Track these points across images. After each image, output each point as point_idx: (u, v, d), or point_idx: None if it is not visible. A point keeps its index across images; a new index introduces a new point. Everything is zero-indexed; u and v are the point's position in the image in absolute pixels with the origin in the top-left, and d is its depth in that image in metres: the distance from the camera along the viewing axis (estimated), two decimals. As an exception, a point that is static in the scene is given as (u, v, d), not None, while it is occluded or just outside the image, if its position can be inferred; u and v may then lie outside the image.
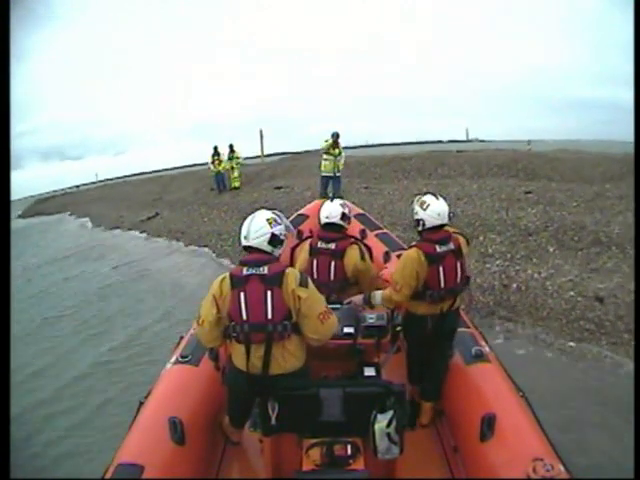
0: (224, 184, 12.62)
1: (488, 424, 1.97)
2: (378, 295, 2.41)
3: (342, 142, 8.61)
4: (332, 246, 2.74)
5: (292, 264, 3.05)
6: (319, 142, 8.61)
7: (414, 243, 2.39)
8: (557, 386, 3.33)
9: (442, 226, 2.34)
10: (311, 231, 3.69)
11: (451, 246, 2.31)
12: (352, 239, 2.90)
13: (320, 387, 1.84)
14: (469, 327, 2.77)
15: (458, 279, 2.33)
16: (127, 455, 1.85)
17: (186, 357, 2.49)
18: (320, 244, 2.78)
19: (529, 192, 7.88)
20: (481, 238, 6.29)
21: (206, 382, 2.40)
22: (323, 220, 2.87)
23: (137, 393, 2.37)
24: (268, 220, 1.97)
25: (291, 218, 4.48)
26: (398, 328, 2.53)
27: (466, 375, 2.37)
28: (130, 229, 11.36)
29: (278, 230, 1.97)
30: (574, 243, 5.73)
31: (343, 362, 2.40)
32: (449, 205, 2.40)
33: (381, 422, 1.75)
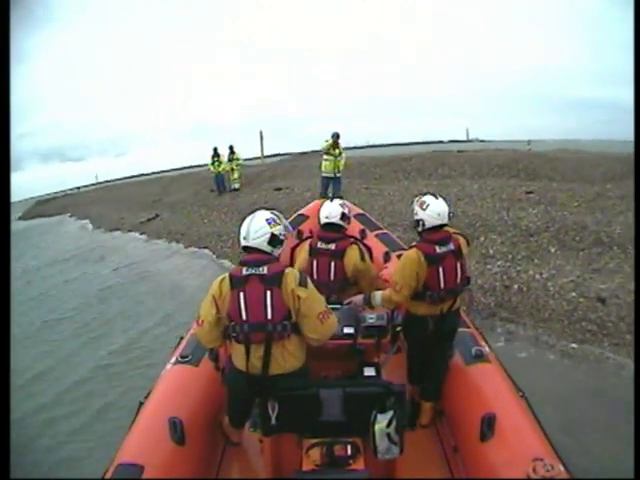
0: (224, 185, 12.62)
1: (488, 424, 1.97)
2: (378, 295, 2.41)
3: (342, 142, 8.60)
4: (332, 246, 2.74)
5: (292, 264, 3.06)
6: (319, 142, 8.61)
7: (414, 244, 2.39)
8: (559, 388, 3.31)
9: (442, 226, 2.33)
10: (311, 231, 3.70)
11: (451, 247, 2.30)
12: (352, 239, 2.90)
13: (320, 387, 1.83)
14: (469, 327, 2.77)
15: (458, 280, 2.33)
16: (127, 455, 1.86)
17: (186, 357, 2.49)
18: (320, 244, 2.78)
19: (530, 192, 7.87)
20: (482, 239, 6.27)
21: (206, 382, 2.41)
22: (323, 220, 2.88)
23: (137, 397, 2.36)
24: (267, 220, 1.98)
25: (291, 218, 4.48)
26: (398, 328, 2.53)
27: (466, 375, 2.37)
28: (130, 231, 11.36)
29: (278, 230, 1.98)
30: (575, 243, 5.71)
31: (343, 362, 2.40)
32: (449, 205, 2.40)
33: (381, 422, 1.75)
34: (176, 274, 7.30)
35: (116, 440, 2.01)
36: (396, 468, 1.94)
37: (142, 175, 30.09)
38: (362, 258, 2.75)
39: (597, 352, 3.79)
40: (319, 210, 2.96)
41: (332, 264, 2.72)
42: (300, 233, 4.05)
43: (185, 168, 26.99)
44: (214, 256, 7.96)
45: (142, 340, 4.89)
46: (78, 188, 31.00)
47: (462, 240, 2.41)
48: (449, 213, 2.36)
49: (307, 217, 4.43)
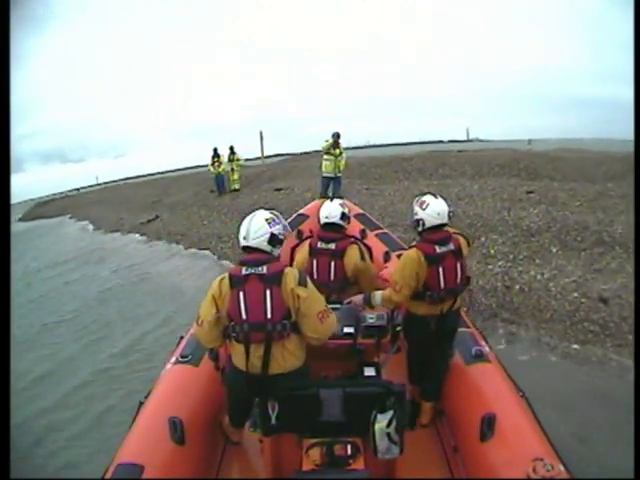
0: (224, 186, 12.60)
1: (488, 424, 1.97)
2: (378, 295, 2.40)
3: (342, 142, 8.57)
4: (332, 246, 2.74)
5: (292, 264, 3.04)
6: (319, 142, 8.58)
7: (414, 243, 2.39)
8: (562, 390, 3.29)
9: (442, 226, 2.33)
10: (311, 231, 3.69)
11: (451, 246, 2.30)
12: (352, 239, 2.90)
13: (320, 387, 1.83)
14: (469, 327, 2.77)
15: (458, 280, 2.33)
16: (127, 455, 1.86)
17: (186, 357, 2.49)
18: (320, 244, 2.78)
19: (531, 192, 7.84)
20: (483, 239, 6.25)
21: (206, 382, 2.41)
22: (323, 220, 2.88)
23: (138, 400, 2.35)
24: (267, 220, 1.98)
25: (291, 218, 4.49)
26: (398, 328, 2.52)
27: (466, 375, 2.37)
28: (130, 232, 11.34)
29: (277, 230, 1.98)
30: (577, 243, 5.69)
31: (343, 362, 2.40)
32: (449, 205, 2.39)
33: (381, 422, 1.75)
34: (176, 276, 7.27)
35: (117, 444, 2.00)
36: (396, 468, 1.94)
37: (142, 176, 30.09)
38: (362, 257, 2.75)
39: (599, 353, 3.77)
40: (319, 210, 2.97)
41: (332, 264, 2.72)
42: (300, 233, 4.06)
43: (185, 169, 27.01)
44: (215, 257, 7.94)
45: (142, 343, 4.86)
46: (78, 189, 31.07)
47: (462, 240, 2.40)
48: (449, 212, 2.36)
49: (307, 217, 4.43)
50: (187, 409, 2.17)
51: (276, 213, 2.07)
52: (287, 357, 1.89)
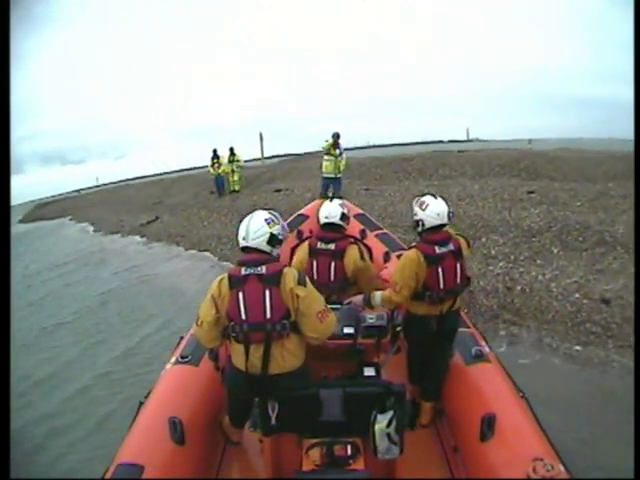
0: (224, 187, 12.58)
1: (488, 424, 1.98)
2: (378, 296, 2.41)
3: (342, 143, 8.55)
4: (332, 246, 2.74)
5: (291, 264, 3.02)
6: (319, 143, 8.56)
7: (414, 244, 2.40)
8: (564, 392, 3.28)
9: (442, 226, 2.34)
10: (311, 231, 3.71)
11: (451, 247, 2.31)
12: (351, 239, 2.90)
13: (320, 387, 1.84)
14: (469, 327, 2.77)
15: (458, 280, 2.34)
16: (127, 455, 1.86)
17: (186, 357, 2.50)
18: (319, 245, 2.78)
19: (532, 192, 7.82)
20: (484, 239, 6.24)
21: (206, 382, 2.41)
22: (322, 220, 2.88)
23: (138, 400, 2.34)
24: (266, 220, 1.99)
25: (291, 218, 4.51)
26: (398, 328, 2.53)
27: (466, 375, 2.37)
28: (130, 233, 11.34)
29: (276, 230, 1.99)
30: (578, 243, 5.67)
31: (343, 362, 2.41)
32: (449, 205, 2.40)
33: (381, 422, 1.75)
34: (176, 277, 7.25)
35: (117, 445, 1.99)
36: (396, 468, 1.94)
37: (142, 177, 30.10)
38: (362, 257, 2.75)
39: (602, 354, 3.75)
40: (318, 210, 2.97)
41: (332, 264, 2.72)
42: (300, 233, 4.08)
43: (185, 170, 26.99)
44: (215, 258, 7.94)
45: (143, 346, 4.83)
46: (78, 191, 31.10)
47: (462, 241, 2.41)
48: (449, 213, 2.36)
49: (307, 217, 4.44)
50: (187, 409, 2.17)
51: (275, 213, 2.08)
52: (287, 357, 1.89)
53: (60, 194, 31.96)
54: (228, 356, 2.01)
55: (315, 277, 2.70)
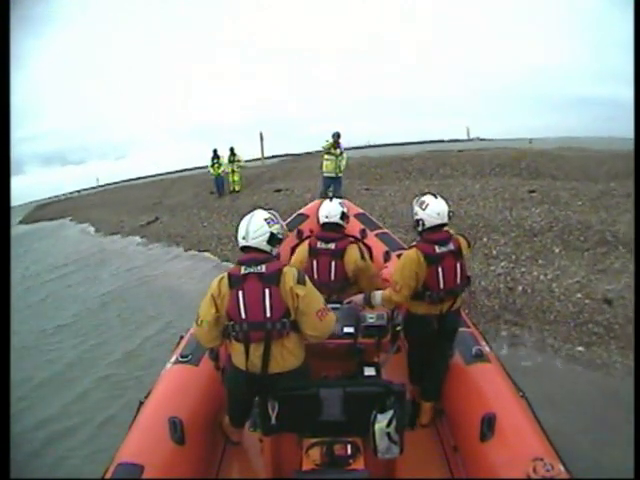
0: (224, 187, 12.57)
1: (488, 424, 1.97)
2: (378, 295, 2.41)
3: (343, 142, 8.56)
4: (332, 246, 2.74)
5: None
6: (319, 143, 8.58)
7: (414, 244, 2.40)
8: (567, 394, 3.25)
9: (442, 226, 2.35)
10: (311, 231, 3.71)
11: (451, 247, 2.31)
12: (351, 238, 2.90)
13: (320, 387, 1.84)
14: (469, 327, 2.77)
15: (458, 280, 2.34)
16: (127, 455, 1.86)
17: (186, 357, 2.50)
18: (320, 244, 2.78)
19: (533, 191, 7.80)
20: (485, 239, 6.21)
21: (206, 382, 2.41)
22: (322, 220, 2.88)
23: (138, 400, 2.33)
24: (266, 220, 2.00)
25: (291, 218, 4.51)
26: (398, 328, 2.52)
27: (466, 375, 2.37)
28: (130, 234, 11.31)
29: (276, 229, 2.00)
30: (580, 243, 5.64)
31: (343, 362, 2.40)
32: (450, 205, 2.40)
33: (381, 422, 1.75)
34: (176, 279, 7.23)
35: (117, 447, 1.98)
36: (396, 468, 1.94)
37: (142, 178, 30.08)
38: (362, 257, 2.76)
39: (604, 355, 3.72)
40: (318, 209, 2.97)
41: (332, 264, 2.72)
42: (300, 233, 4.08)
43: (185, 170, 26.95)
44: (215, 259, 7.92)
45: (144, 348, 4.79)
46: (79, 191, 31.10)
47: (462, 241, 2.41)
48: (449, 212, 2.37)
49: (307, 217, 4.44)
50: (187, 409, 2.17)
51: (274, 213, 2.08)
52: (286, 356, 1.89)
53: (60, 195, 31.98)
54: (228, 355, 2.01)
55: (315, 277, 2.71)
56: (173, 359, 2.54)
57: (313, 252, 2.78)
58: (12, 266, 3.25)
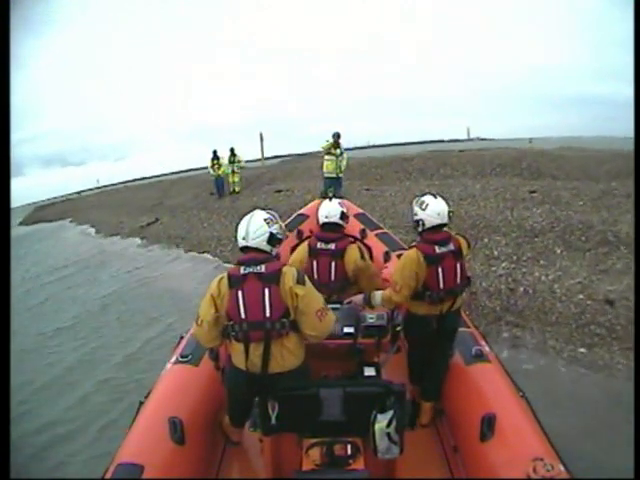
0: (224, 188, 12.56)
1: (488, 424, 1.97)
2: (378, 295, 2.41)
3: (343, 143, 8.57)
4: (332, 246, 2.74)
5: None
6: (319, 143, 8.58)
7: (414, 244, 2.40)
8: (569, 396, 3.23)
9: (442, 226, 2.35)
10: (311, 231, 3.70)
11: (451, 247, 2.31)
12: (351, 238, 2.90)
13: (320, 387, 1.84)
14: (469, 327, 2.77)
15: (458, 280, 2.34)
16: (127, 455, 1.86)
17: (186, 357, 2.50)
18: (319, 245, 2.77)
19: (534, 191, 7.78)
20: (486, 240, 6.19)
21: (206, 382, 2.41)
22: (322, 220, 2.87)
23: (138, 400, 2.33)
24: (266, 220, 2.00)
25: (291, 218, 4.52)
26: (398, 328, 2.52)
27: (466, 375, 2.37)
28: (130, 235, 11.32)
29: (275, 229, 2.00)
30: (581, 243, 5.62)
31: (343, 362, 2.41)
32: (450, 205, 2.40)
33: (381, 422, 1.75)
34: (176, 280, 7.21)
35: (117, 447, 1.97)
36: (396, 468, 1.94)
37: (142, 179, 30.13)
38: (362, 257, 2.75)
39: (607, 357, 3.69)
40: (318, 209, 2.96)
41: (332, 264, 2.72)
42: (300, 233, 4.08)
43: (185, 171, 26.99)
44: (215, 260, 7.91)
45: (144, 351, 4.76)
46: (79, 193, 31.17)
47: (462, 241, 2.41)
48: (449, 212, 2.37)
49: (307, 217, 4.43)
50: (187, 409, 2.17)
51: (273, 213, 2.09)
52: (286, 356, 1.89)
53: (60, 196, 32.00)
54: (228, 355, 2.01)
55: (315, 277, 2.70)
56: (173, 359, 2.54)
57: (313, 252, 2.78)
58: (12, 267, 3.22)
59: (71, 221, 17.07)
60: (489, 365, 2.38)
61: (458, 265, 2.33)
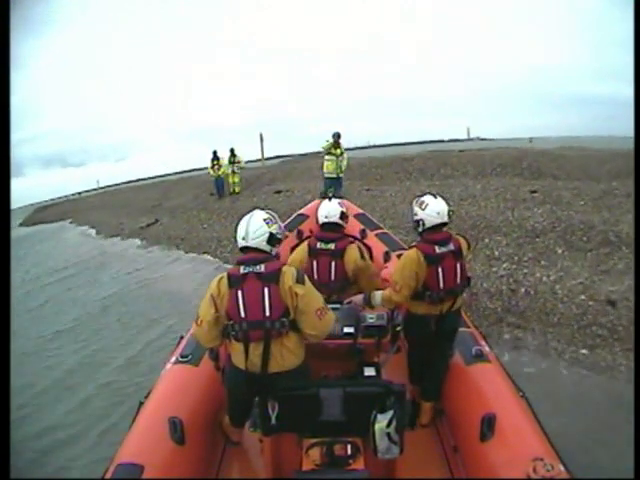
0: (224, 189, 12.56)
1: (488, 424, 1.97)
2: (378, 295, 2.41)
3: (343, 143, 8.57)
4: (331, 246, 2.74)
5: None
6: (319, 143, 8.59)
7: (414, 244, 2.40)
8: (570, 397, 3.22)
9: (442, 225, 2.35)
10: (311, 231, 3.72)
11: (451, 247, 2.31)
12: (350, 238, 2.91)
13: (320, 387, 1.84)
14: (469, 327, 2.77)
15: (458, 280, 2.34)
16: (127, 455, 1.86)
17: (186, 357, 2.50)
18: (319, 245, 2.77)
19: (534, 191, 7.77)
20: (487, 240, 6.18)
21: (206, 382, 2.42)
22: (322, 220, 2.87)
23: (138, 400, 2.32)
24: (265, 220, 2.00)
25: (291, 218, 4.52)
26: (398, 328, 2.52)
27: (466, 375, 2.37)
28: (130, 236, 11.31)
29: (275, 229, 2.01)
30: (583, 244, 5.60)
31: (343, 362, 2.41)
32: (451, 205, 2.41)
33: (381, 422, 1.75)
34: (176, 282, 7.19)
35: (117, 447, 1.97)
36: (396, 468, 1.94)
37: (142, 179, 30.15)
38: (362, 257, 2.75)
39: (609, 358, 3.68)
40: (317, 209, 2.96)
41: (332, 264, 2.72)
42: (300, 233, 4.09)
43: (185, 172, 26.98)
44: (215, 261, 7.90)
45: (144, 354, 4.73)
46: (79, 193, 31.22)
47: (463, 241, 2.42)
48: (449, 212, 2.37)
49: (307, 217, 4.43)
50: (187, 409, 2.17)
51: (273, 213, 2.09)
52: (286, 355, 1.89)
53: (61, 197, 32.03)
54: (228, 355, 2.01)
55: (315, 277, 2.70)
56: (173, 359, 2.54)
57: (313, 252, 2.78)
58: (12, 269, 3.21)
59: (71, 222, 17.07)
60: (489, 365, 2.38)
61: (458, 265, 2.33)
